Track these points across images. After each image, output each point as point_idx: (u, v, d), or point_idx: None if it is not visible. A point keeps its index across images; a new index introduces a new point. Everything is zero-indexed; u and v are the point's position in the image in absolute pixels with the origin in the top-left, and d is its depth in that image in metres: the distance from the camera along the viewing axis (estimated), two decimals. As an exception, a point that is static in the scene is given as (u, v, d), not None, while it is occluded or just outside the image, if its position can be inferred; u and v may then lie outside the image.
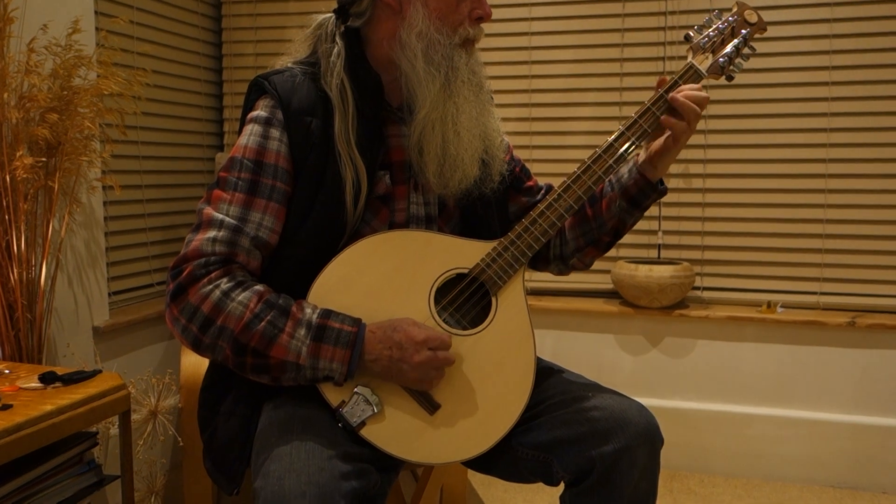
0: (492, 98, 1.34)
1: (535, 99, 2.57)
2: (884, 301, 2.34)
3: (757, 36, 1.33)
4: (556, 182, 1.47)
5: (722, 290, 2.49)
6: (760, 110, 2.39)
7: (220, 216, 1.14)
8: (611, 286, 2.52)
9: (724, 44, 1.31)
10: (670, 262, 2.46)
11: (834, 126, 2.34)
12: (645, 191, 1.30)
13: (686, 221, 2.50)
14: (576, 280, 2.56)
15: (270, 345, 1.10)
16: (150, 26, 2.41)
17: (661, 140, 1.27)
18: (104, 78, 1.84)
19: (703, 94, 1.24)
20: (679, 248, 2.51)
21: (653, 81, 2.44)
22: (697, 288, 2.50)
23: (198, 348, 1.13)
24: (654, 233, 2.51)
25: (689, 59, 1.29)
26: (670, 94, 1.23)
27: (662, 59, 2.46)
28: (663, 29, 2.44)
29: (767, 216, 2.42)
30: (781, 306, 2.41)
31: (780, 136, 2.39)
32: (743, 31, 1.31)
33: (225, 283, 1.11)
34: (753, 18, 1.32)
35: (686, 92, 1.23)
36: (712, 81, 1.30)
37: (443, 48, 1.20)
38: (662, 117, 1.23)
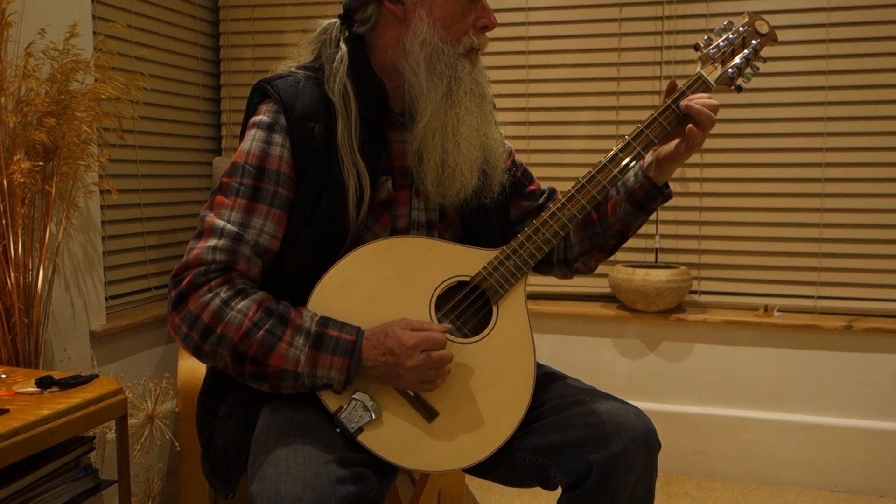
0: (494, 106, 1.34)
1: (532, 104, 2.57)
2: (880, 305, 2.35)
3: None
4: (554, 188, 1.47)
5: (719, 294, 2.49)
6: (757, 115, 2.40)
7: (222, 223, 1.14)
8: (608, 290, 2.52)
9: (733, 54, 1.29)
10: (667, 266, 2.46)
11: (830, 130, 2.35)
12: (651, 194, 1.30)
13: (683, 226, 2.50)
14: (573, 284, 2.56)
15: (269, 353, 1.10)
16: (148, 31, 2.41)
17: (671, 145, 1.26)
18: (102, 82, 1.84)
19: (715, 101, 1.24)
20: (676, 253, 2.51)
21: (650, 87, 2.47)
22: (694, 292, 2.50)
23: (199, 356, 1.13)
24: (651, 237, 2.52)
25: (698, 69, 1.28)
26: (685, 103, 1.23)
27: (659, 63, 2.46)
28: (660, 34, 2.45)
29: (764, 220, 2.42)
30: (778, 310, 2.41)
31: (777, 140, 2.39)
32: (753, 41, 1.29)
33: (225, 292, 1.11)
34: (764, 29, 1.31)
35: (701, 100, 1.23)
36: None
37: (446, 57, 1.20)
38: (688, 127, 1.23)
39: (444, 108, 1.21)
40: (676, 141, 1.25)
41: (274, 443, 1.07)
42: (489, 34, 1.26)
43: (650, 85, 2.47)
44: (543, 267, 1.46)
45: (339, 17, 1.28)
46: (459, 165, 1.22)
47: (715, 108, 1.23)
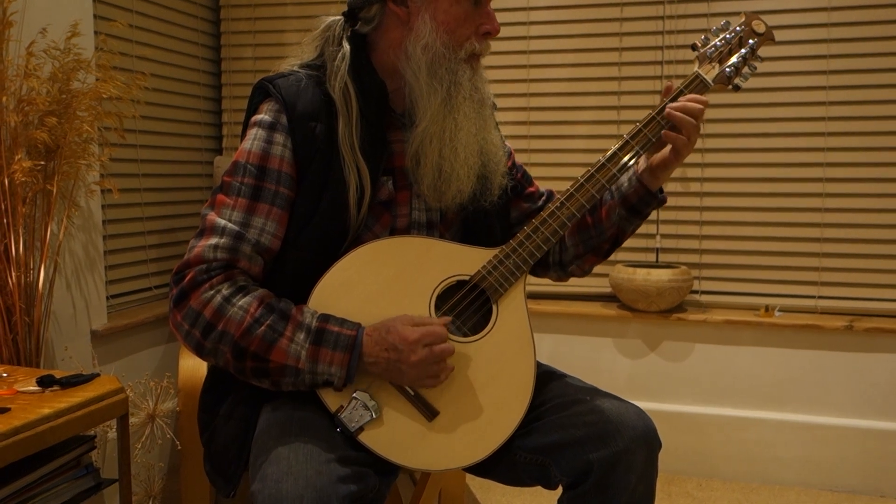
0: (495, 107, 1.34)
1: (533, 104, 2.57)
2: (881, 305, 2.35)
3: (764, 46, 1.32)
4: (554, 188, 1.47)
5: (720, 294, 2.49)
6: (758, 114, 2.40)
7: (223, 222, 1.14)
8: (609, 290, 2.52)
9: (730, 54, 1.29)
10: (668, 265, 2.46)
11: (831, 130, 2.35)
12: (645, 199, 1.30)
13: (684, 225, 2.50)
14: (574, 284, 2.54)
15: (270, 349, 1.10)
16: (149, 30, 2.41)
17: (664, 152, 1.26)
18: (103, 81, 1.84)
19: (699, 105, 1.22)
20: (677, 252, 2.51)
21: (650, 87, 2.47)
22: (695, 292, 2.50)
23: (200, 353, 1.13)
24: (652, 237, 2.52)
25: (696, 68, 1.28)
26: (666, 111, 1.22)
27: (661, 63, 2.46)
28: (661, 33, 2.45)
29: (765, 220, 2.42)
30: (779, 310, 2.41)
31: (778, 140, 2.39)
32: (750, 41, 1.30)
33: (226, 289, 1.11)
34: (761, 28, 1.31)
35: (681, 104, 1.22)
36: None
37: (447, 62, 1.20)
38: (663, 132, 1.22)
39: (443, 112, 1.20)
40: (669, 147, 1.25)
41: (275, 442, 1.08)
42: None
43: (651, 85, 2.47)
44: (539, 269, 1.46)
45: (344, 14, 1.27)
46: (456, 171, 1.22)
47: (697, 114, 1.21)
